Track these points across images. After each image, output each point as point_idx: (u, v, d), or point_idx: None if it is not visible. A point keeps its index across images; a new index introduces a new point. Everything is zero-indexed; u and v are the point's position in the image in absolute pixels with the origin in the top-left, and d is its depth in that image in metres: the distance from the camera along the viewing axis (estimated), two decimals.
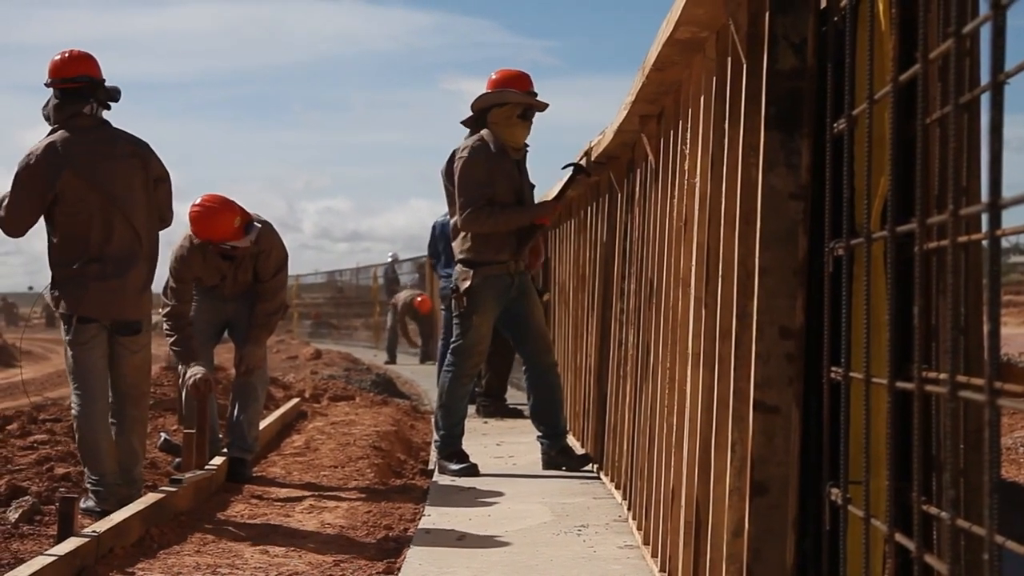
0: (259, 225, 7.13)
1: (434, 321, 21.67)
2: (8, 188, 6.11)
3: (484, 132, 7.40)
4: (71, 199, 5.99)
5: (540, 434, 7.58)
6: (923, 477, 1.96)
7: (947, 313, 1.86)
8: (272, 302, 7.29)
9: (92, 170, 6.01)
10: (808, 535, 2.91)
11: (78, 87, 6.09)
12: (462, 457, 7.42)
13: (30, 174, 6.00)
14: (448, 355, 7.60)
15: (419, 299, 22.05)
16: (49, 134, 6.10)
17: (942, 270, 2.05)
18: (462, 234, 7.43)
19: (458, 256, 7.49)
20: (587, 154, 7.48)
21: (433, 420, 7.82)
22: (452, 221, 7.60)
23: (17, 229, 6.10)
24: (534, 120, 7.50)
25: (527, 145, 7.54)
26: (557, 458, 7.48)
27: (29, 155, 6.04)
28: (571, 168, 7.70)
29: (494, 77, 7.53)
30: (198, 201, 7.05)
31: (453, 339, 7.56)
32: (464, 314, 7.40)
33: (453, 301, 7.49)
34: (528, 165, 7.55)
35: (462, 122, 7.60)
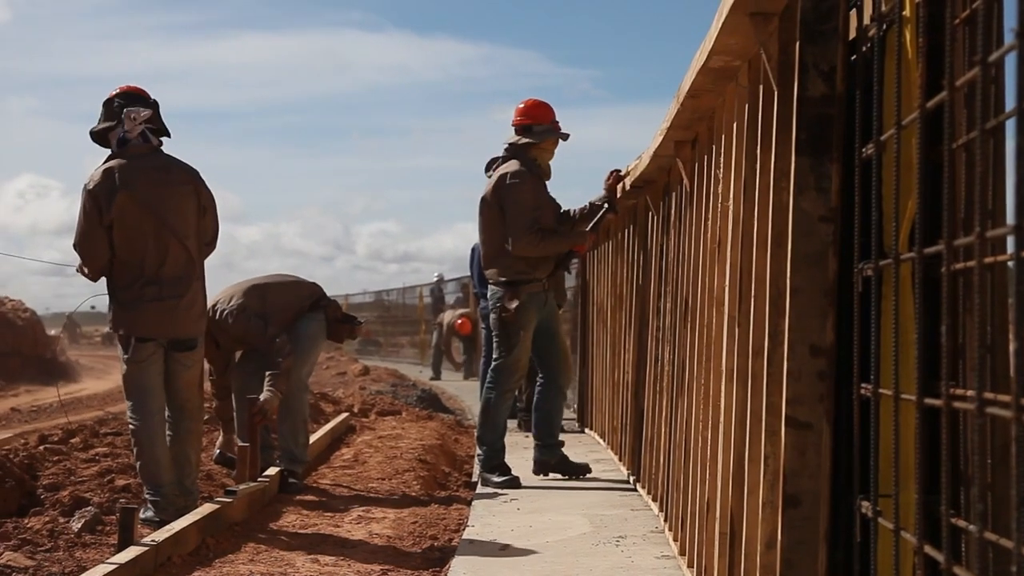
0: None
1: (476, 340, 21.69)
2: (77, 227, 6.14)
3: (521, 158, 7.54)
4: (128, 223, 6.02)
5: (538, 443, 7.72)
6: (951, 491, 1.94)
7: (974, 332, 1.84)
8: (258, 341, 7.30)
9: (147, 194, 6.05)
10: (839, 547, 2.89)
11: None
12: (504, 470, 7.47)
13: (91, 201, 6.04)
14: (490, 372, 7.65)
15: (459, 321, 22.05)
16: (106, 161, 6.14)
17: (969, 290, 2.03)
18: (501, 256, 7.49)
19: (500, 278, 7.54)
20: (620, 185, 7.58)
21: (476, 435, 7.84)
22: (483, 248, 7.67)
23: (94, 263, 6.08)
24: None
25: None
26: (558, 466, 7.65)
27: (87, 183, 6.08)
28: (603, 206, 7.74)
29: (532, 105, 7.67)
30: None
31: (496, 357, 7.60)
32: (511, 332, 7.49)
33: (501, 320, 7.52)
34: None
35: (507, 154, 7.67)
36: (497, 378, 7.56)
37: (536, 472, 7.68)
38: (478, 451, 7.75)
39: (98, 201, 6.02)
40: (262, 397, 7.08)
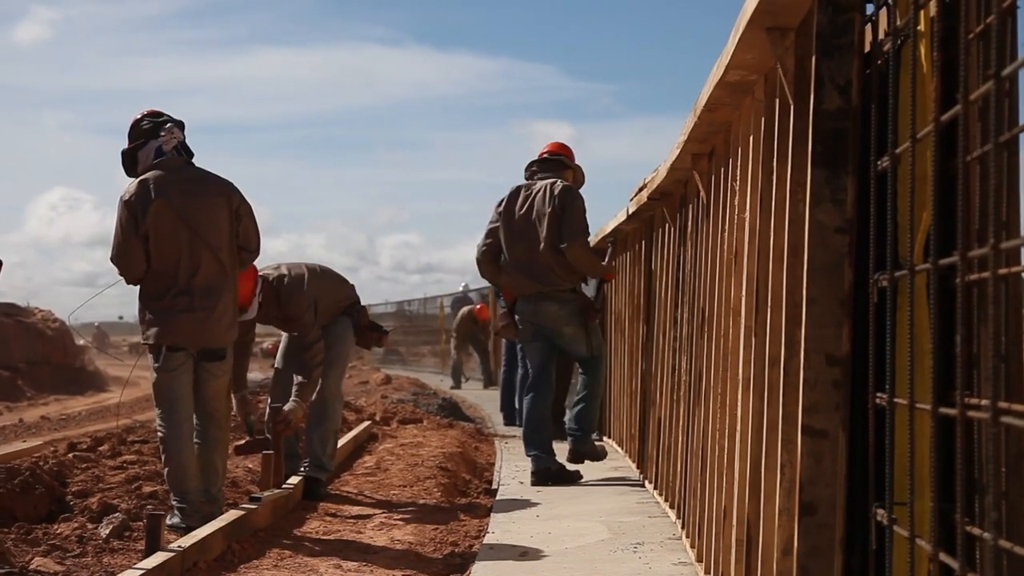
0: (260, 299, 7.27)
1: (486, 343, 21.70)
2: (114, 237, 6.14)
3: (560, 178, 7.97)
4: (162, 232, 6.04)
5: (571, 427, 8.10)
6: (966, 499, 1.93)
7: (988, 342, 1.83)
8: (303, 331, 7.31)
9: (182, 204, 6.07)
10: (855, 554, 2.88)
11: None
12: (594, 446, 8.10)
13: (127, 212, 6.06)
14: (594, 369, 8.04)
15: (478, 307, 21.97)
16: (142, 174, 6.17)
17: (983, 301, 2.02)
18: (566, 265, 7.80)
19: (571, 285, 7.93)
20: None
21: (575, 418, 8.12)
22: (540, 254, 7.86)
23: (132, 271, 6.10)
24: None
25: None
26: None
27: (123, 195, 6.10)
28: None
29: (558, 146, 8.24)
30: None
31: (593, 354, 8.02)
32: (594, 329, 8.07)
33: (587, 320, 7.98)
34: (590, 202, 8.16)
35: (545, 167, 8.11)
36: (601, 371, 8.15)
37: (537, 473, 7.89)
38: (573, 427, 8.06)
39: (134, 211, 6.05)
40: (287, 407, 7.09)
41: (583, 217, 7.76)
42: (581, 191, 8.03)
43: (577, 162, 8.27)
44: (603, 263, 8.49)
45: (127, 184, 6.16)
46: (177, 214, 6.06)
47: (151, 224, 6.03)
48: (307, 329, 7.25)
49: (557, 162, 8.05)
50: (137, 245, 6.06)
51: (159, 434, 6.14)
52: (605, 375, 8.49)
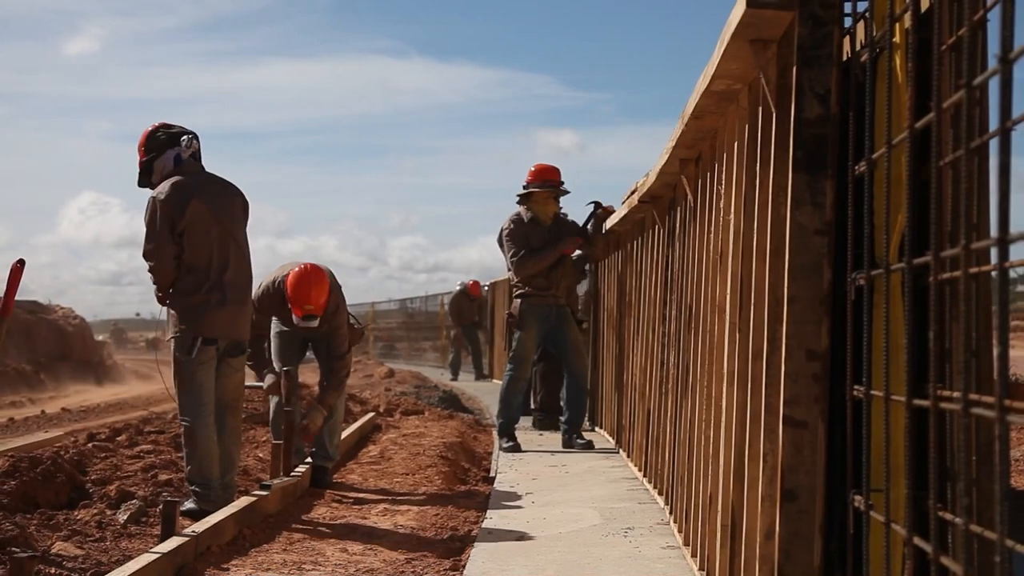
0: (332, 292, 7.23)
1: (479, 338, 21.63)
2: (147, 238, 6.04)
3: (521, 210, 9.22)
4: (197, 230, 6.01)
5: (563, 420, 9.24)
6: (939, 486, 1.93)
7: (960, 337, 1.84)
8: (340, 342, 7.30)
9: (214, 203, 6.07)
10: (834, 538, 2.88)
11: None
12: (511, 437, 9.14)
13: (163, 211, 5.97)
14: (507, 363, 9.40)
15: (471, 283, 21.71)
16: (165, 178, 6.11)
17: (955, 298, 2.03)
18: (513, 277, 9.24)
19: (515, 294, 9.27)
20: (597, 205, 9.38)
21: (496, 414, 9.54)
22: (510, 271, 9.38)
23: (165, 268, 6.00)
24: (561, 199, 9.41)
25: (564, 213, 9.39)
26: (570, 441, 9.07)
27: (155, 196, 6.02)
28: (592, 205, 9.46)
29: (537, 168, 9.31)
30: (306, 266, 7.06)
31: (510, 352, 9.29)
32: (514, 332, 9.21)
33: (507, 322, 9.28)
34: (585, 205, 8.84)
35: (517, 201, 9.34)
36: (511, 367, 9.29)
37: (564, 446, 9.10)
38: (496, 423, 9.44)
39: (171, 210, 5.97)
40: (308, 414, 7.11)
41: (512, 243, 9.08)
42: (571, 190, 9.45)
43: (561, 170, 9.36)
44: (551, 247, 9.10)
45: (160, 185, 6.08)
46: (212, 212, 6.05)
47: (188, 223, 5.98)
48: (344, 339, 7.27)
49: (524, 195, 9.21)
50: (171, 243, 6.01)
51: (184, 425, 6.02)
52: (513, 379, 9.24)
